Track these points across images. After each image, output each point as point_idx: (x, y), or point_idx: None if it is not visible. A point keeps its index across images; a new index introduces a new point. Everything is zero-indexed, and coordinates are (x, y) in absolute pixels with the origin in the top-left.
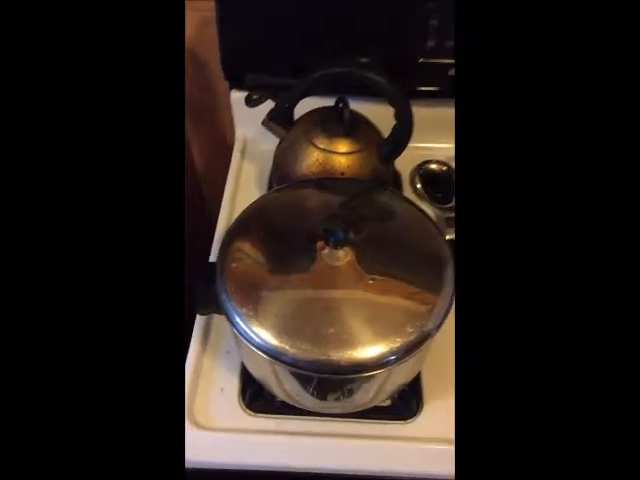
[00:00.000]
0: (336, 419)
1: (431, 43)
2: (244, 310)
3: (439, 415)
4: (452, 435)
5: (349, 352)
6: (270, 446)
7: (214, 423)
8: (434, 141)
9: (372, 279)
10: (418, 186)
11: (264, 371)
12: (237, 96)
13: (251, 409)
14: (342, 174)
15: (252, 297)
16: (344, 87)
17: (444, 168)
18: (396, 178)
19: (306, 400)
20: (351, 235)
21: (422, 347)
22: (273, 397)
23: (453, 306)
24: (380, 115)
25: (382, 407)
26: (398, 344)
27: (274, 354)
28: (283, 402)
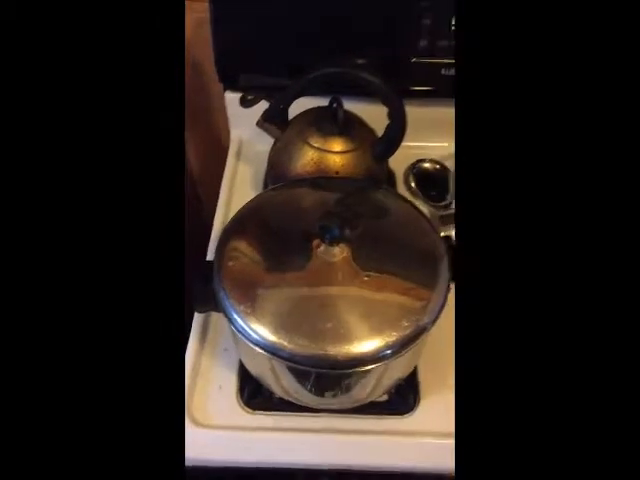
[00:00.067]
0: (334, 415)
1: (424, 43)
2: (242, 307)
3: (436, 409)
4: (449, 429)
5: (346, 347)
6: (268, 443)
7: (212, 421)
8: (427, 140)
9: (368, 275)
10: (412, 185)
11: (262, 368)
12: (232, 97)
13: (249, 406)
14: (337, 173)
15: (249, 294)
16: (338, 87)
17: (437, 167)
18: (390, 177)
19: (304, 396)
20: (347, 232)
21: (418, 341)
22: (271, 394)
23: (448, 301)
24: (373, 115)
25: (379, 402)
26: (394, 338)
27: (272, 350)
28: (281, 399)
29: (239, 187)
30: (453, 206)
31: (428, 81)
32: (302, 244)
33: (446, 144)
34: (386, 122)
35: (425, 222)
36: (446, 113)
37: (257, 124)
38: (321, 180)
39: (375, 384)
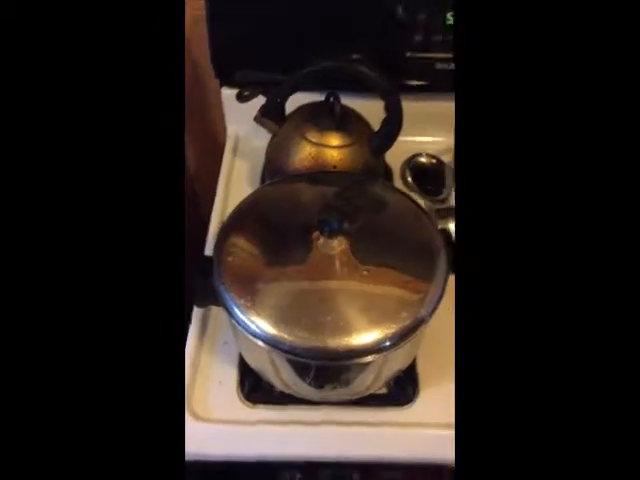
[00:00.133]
0: (334, 407)
1: (418, 37)
2: (242, 301)
3: (435, 401)
4: (449, 420)
5: (346, 339)
6: (269, 436)
7: (213, 415)
8: (423, 135)
9: (366, 269)
10: (408, 179)
11: (262, 361)
12: (228, 93)
13: (249, 400)
14: (334, 167)
15: (249, 288)
16: (334, 83)
17: (433, 161)
18: (387, 172)
19: (304, 389)
20: (345, 225)
21: (416, 332)
22: (271, 388)
23: (446, 293)
24: (370, 110)
25: (379, 395)
26: (393, 330)
27: (272, 342)
28: (281, 393)
29: (236, 183)
30: (449, 200)
31: (423, 76)
32: (301, 237)
33: (442, 138)
34: (382, 117)
35: (423, 215)
36: (442, 107)
37: (254, 119)
38: (319, 174)
39: (375, 376)
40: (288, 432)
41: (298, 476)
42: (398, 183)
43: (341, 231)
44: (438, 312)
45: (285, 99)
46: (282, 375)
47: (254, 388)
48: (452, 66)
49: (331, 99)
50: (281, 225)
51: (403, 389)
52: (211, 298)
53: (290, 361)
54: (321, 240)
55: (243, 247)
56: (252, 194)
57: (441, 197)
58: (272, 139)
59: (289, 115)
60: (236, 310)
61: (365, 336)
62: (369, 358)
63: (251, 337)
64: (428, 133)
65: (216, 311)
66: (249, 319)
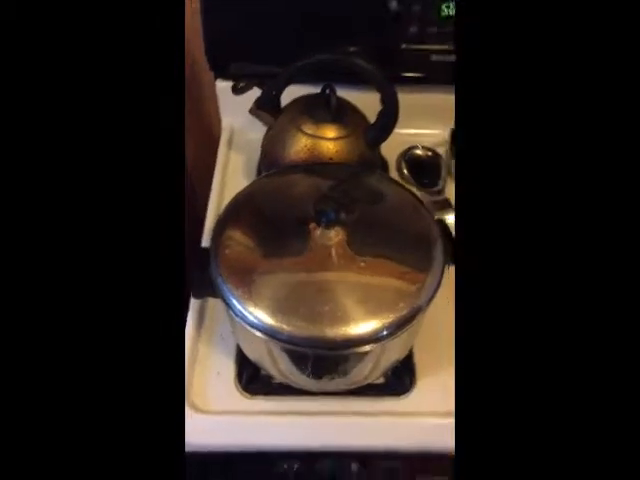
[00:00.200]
0: (332, 397)
1: (413, 29)
2: (239, 292)
3: (432, 390)
4: (445, 409)
5: (343, 328)
6: (268, 427)
7: (212, 406)
8: (419, 127)
9: (364, 260)
10: (404, 171)
11: (260, 352)
12: (222, 86)
13: (247, 391)
14: (330, 159)
15: (246, 279)
16: (329, 76)
17: (429, 153)
18: (383, 164)
19: (302, 379)
20: (342, 215)
21: (413, 322)
22: (269, 379)
23: (443, 283)
24: (366, 102)
25: (376, 385)
26: (390, 320)
27: (271, 333)
28: (279, 384)
29: (232, 175)
30: (445, 192)
31: (419, 68)
32: (298, 228)
33: (437, 131)
34: (378, 109)
35: (419, 206)
36: (437, 100)
37: (250, 111)
38: (315, 166)
39: (372, 366)
40: (286, 423)
41: (296, 466)
42: (394, 175)
43: (338, 222)
44: (435, 302)
45: (280, 91)
46: (280, 366)
47: (252, 379)
48: (447, 58)
49: (327, 91)
50: (277, 216)
51: (400, 379)
52: (208, 290)
53: (288, 351)
54: (318, 231)
55: (240, 239)
56: (248, 186)
57: (437, 189)
58: (268, 131)
59: (285, 107)
60: (234, 301)
61: (363, 326)
62: (367, 347)
63: (249, 328)
64: (424, 126)
65: (212, 304)
66: (247, 310)
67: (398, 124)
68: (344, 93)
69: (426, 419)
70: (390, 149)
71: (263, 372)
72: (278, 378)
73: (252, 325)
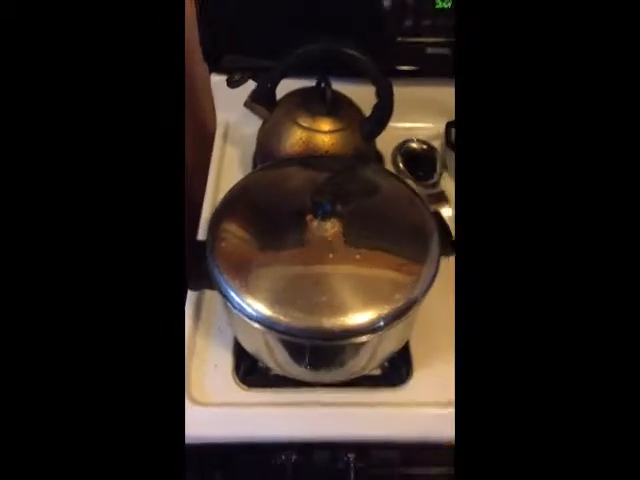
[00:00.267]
0: (329, 389)
1: (408, 22)
2: (237, 283)
3: (428, 381)
4: (442, 399)
5: (341, 319)
6: (266, 418)
7: (210, 399)
8: (414, 121)
9: (360, 252)
10: (400, 165)
11: (258, 344)
12: (217, 80)
13: (245, 383)
14: (326, 152)
15: (243, 271)
16: (324, 69)
17: (424, 147)
18: (378, 157)
19: (299, 371)
20: (338, 207)
21: (409, 313)
22: (267, 371)
23: (439, 275)
24: (361, 96)
25: (373, 376)
26: (387, 310)
27: (268, 324)
28: (276, 375)
29: (227, 169)
30: (440, 185)
31: (414, 60)
32: (294, 220)
33: (432, 124)
34: (373, 103)
35: (415, 198)
36: (432, 93)
37: (245, 104)
38: (310, 159)
39: (369, 356)
40: (284, 414)
41: (294, 457)
42: (389, 169)
43: (334, 213)
44: (431, 294)
45: (275, 84)
46: (278, 357)
47: (250, 371)
48: (442, 50)
49: (322, 84)
50: (273, 209)
51: (397, 370)
52: (205, 282)
53: (286, 342)
54: (314, 223)
55: (236, 231)
56: (244, 179)
57: (432, 182)
58: (263, 125)
59: (280, 100)
60: (231, 293)
61: (360, 316)
62: (363, 338)
63: (247, 319)
64: (419, 119)
65: (209, 297)
66: (244, 302)
67: (393, 118)
68: (339, 86)
69: (423, 409)
70: (385, 143)
71: (260, 364)
72: (275, 370)
73: (250, 317)
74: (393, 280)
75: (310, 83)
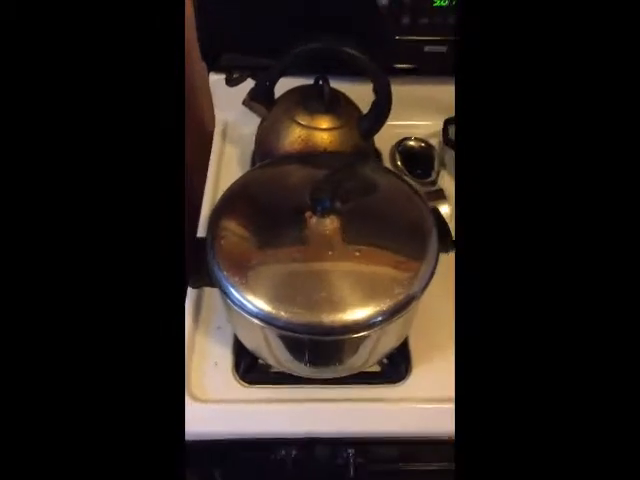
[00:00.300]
0: (329, 385)
1: (406, 20)
2: (236, 280)
3: (427, 377)
4: (440, 395)
5: (340, 314)
6: (266, 415)
7: (210, 396)
8: (412, 119)
9: (359, 248)
10: (398, 163)
11: (258, 340)
12: (216, 79)
13: (245, 380)
14: (324, 150)
15: (243, 268)
16: (322, 68)
17: (422, 145)
18: (376, 155)
19: (299, 367)
20: (337, 203)
21: (408, 309)
22: (267, 368)
23: (437, 271)
24: (359, 94)
25: (372, 372)
26: (386, 306)
27: (268, 320)
28: (276, 372)
29: (227, 167)
30: (438, 183)
31: (412, 59)
32: (293, 217)
33: (430, 122)
34: (371, 100)
35: (414, 195)
36: (430, 91)
37: (243, 103)
38: (309, 156)
39: (368, 352)
40: (284, 410)
41: (294, 453)
42: (388, 166)
43: (333, 210)
44: (429, 291)
45: (274, 82)
46: (277, 353)
47: (250, 368)
48: (440, 48)
49: (320, 82)
50: (273, 206)
51: (396, 366)
52: (205, 279)
53: (285, 338)
54: (313, 219)
55: (236, 228)
56: (243, 176)
57: (430, 180)
58: (262, 123)
59: (278, 99)
60: (231, 290)
61: (359, 312)
62: (362, 333)
63: (247, 316)
64: (417, 117)
65: (209, 295)
66: (244, 298)
67: (391, 116)
68: (337, 84)
69: (422, 405)
70: (383, 141)
71: (260, 361)
72: (275, 366)
73: (250, 313)
74: (392, 276)
75: (308, 81)
